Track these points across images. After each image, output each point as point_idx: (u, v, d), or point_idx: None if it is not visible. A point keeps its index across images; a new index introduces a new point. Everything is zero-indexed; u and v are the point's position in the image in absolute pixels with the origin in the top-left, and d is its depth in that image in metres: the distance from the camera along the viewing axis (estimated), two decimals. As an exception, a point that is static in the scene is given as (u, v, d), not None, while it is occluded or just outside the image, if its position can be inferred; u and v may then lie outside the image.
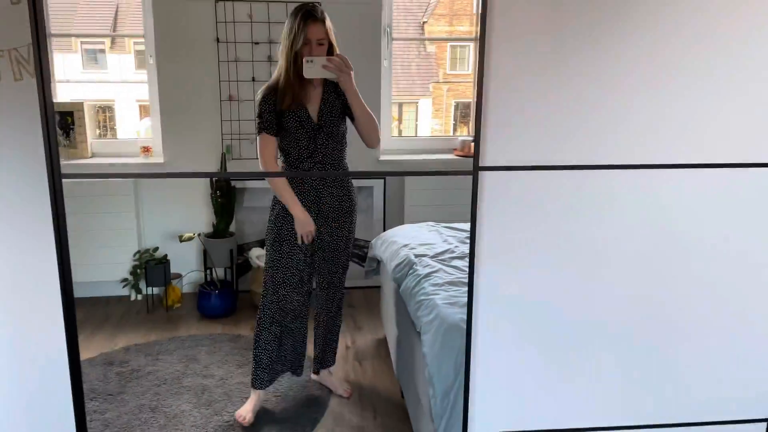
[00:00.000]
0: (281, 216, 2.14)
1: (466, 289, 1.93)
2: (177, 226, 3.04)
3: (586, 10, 1.22)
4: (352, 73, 1.89)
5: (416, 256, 2.17)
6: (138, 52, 3.40)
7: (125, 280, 2.99)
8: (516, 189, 1.24)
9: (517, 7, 1.15)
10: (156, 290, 2.99)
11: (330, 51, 1.92)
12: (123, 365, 2.50)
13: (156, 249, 3.05)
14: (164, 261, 3.00)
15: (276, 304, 2.21)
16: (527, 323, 1.40)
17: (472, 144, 3.50)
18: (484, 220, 1.23)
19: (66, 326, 1.23)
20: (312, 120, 2.02)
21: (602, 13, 1.22)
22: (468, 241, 2.51)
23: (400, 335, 2.06)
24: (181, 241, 2.82)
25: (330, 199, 2.14)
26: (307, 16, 1.89)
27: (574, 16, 1.20)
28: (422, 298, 1.85)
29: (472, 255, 1.13)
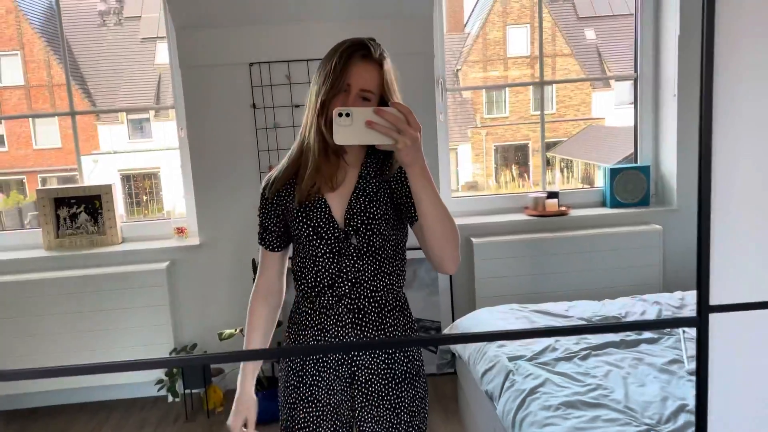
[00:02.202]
0: (292, 386, 1.25)
1: (592, 414, 1.44)
2: (216, 319, 2.67)
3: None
4: (419, 136, 1.06)
5: (510, 359, 1.70)
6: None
7: (161, 381, 2.62)
8: (758, 333, 0.80)
9: (744, 105, 0.74)
10: (196, 390, 2.61)
11: None
12: (156, 500, 2.09)
13: (194, 346, 2.68)
14: (203, 359, 2.61)
15: None
16: None
17: (547, 200, 3.05)
18: (714, 380, 0.78)
19: None
20: (335, 223, 1.20)
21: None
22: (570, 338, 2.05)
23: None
24: (221, 339, 2.43)
25: (369, 359, 1.23)
26: (356, 50, 1.14)
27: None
28: (534, 431, 1.37)
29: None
